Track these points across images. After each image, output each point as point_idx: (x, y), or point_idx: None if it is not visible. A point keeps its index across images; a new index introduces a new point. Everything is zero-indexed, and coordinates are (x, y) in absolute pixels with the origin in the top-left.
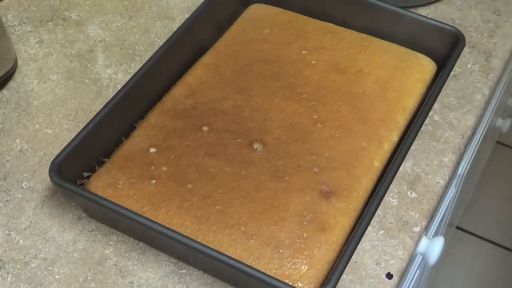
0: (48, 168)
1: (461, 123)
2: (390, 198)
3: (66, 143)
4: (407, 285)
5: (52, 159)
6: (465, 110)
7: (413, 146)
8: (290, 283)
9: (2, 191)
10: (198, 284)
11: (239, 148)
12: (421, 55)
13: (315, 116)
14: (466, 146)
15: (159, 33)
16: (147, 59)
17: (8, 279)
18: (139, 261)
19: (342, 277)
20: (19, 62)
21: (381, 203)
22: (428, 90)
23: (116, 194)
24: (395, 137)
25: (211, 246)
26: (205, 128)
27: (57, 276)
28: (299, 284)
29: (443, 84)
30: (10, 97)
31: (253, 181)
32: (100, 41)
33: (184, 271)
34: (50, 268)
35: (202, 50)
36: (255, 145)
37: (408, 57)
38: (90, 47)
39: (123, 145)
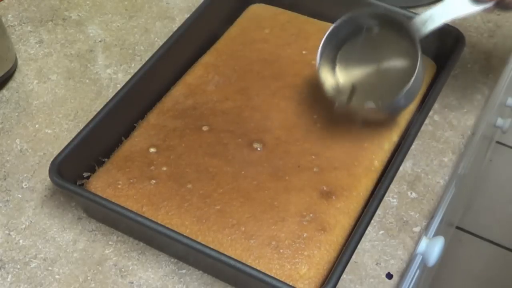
0: (48, 168)
1: (461, 123)
2: (390, 198)
3: (66, 143)
4: (407, 285)
5: (52, 159)
6: (465, 110)
7: (413, 146)
8: (290, 283)
9: (2, 191)
10: (198, 284)
11: (239, 148)
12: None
13: (315, 116)
14: (466, 146)
15: (159, 33)
16: (147, 59)
17: (8, 279)
18: (139, 261)
19: (342, 277)
20: (19, 62)
21: (381, 203)
22: (428, 90)
23: (116, 194)
24: (395, 137)
25: (211, 246)
26: (205, 128)
27: (57, 276)
28: (299, 284)
29: (443, 84)
30: (10, 97)
31: (253, 181)
32: (100, 41)
33: (184, 271)
34: (50, 268)
35: (202, 50)
36: (255, 145)
37: None
38: (90, 47)
39: (123, 145)
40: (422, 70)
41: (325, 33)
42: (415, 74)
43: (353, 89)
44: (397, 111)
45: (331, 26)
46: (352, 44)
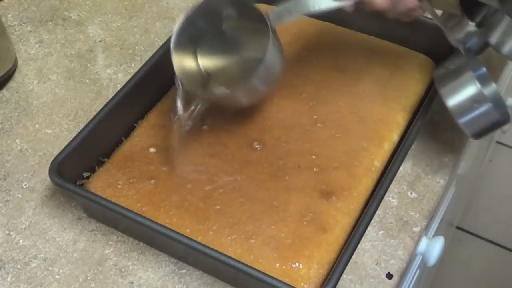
0: (48, 168)
1: None
2: (390, 198)
3: (66, 143)
4: (407, 285)
5: (52, 159)
6: None
7: (413, 146)
8: (290, 283)
9: (2, 191)
10: (198, 284)
11: (239, 148)
12: (421, 55)
13: (315, 116)
14: (466, 146)
15: (159, 33)
16: (147, 59)
17: (8, 279)
18: (139, 261)
19: (342, 277)
20: (19, 62)
21: (381, 203)
22: (428, 90)
23: (116, 194)
24: (395, 137)
25: (211, 246)
26: (205, 128)
27: (57, 276)
28: (299, 284)
29: None
30: (10, 97)
31: (253, 181)
32: (100, 41)
33: (184, 271)
34: (50, 268)
35: None
36: (255, 145)
37: (408, 57)
38: (90, 47)
39: (123, 145)
40: (275, 57)
41: (179, 21)
42: (264, 58)
43: (208, 77)
44: (255, 95)
45: (185, 14)
46: (213, 32)
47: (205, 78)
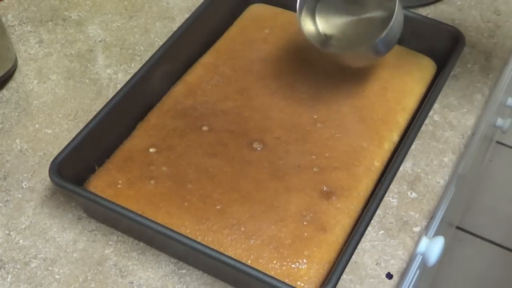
0: (48, 168)
1: (461, 123)
2: (390, 198)
3: (66, 143)
4: (407, 285)
5: (52, 159)
6: (465, 110)
7: (413, 146)
8: (290, 283)
9: (2, 191)
10: (198, 284)
11: (239, 148)
12: (421, 55)
13: (315, 116)
14: (466, 146)
15: (159, 33)
16: (147, 59)
17: (8, 279)
18: (139, 261)
19: (342, 277)
20: (19, 62)
21: (381, 203)
22: (428, 90)
23: (116, 194)
24: (395, 137)
25: (211, 246)
26: (205, 128)
27: (57, 276)
28: (299, 284)
29: (443, 84)
30: (10, 97)
31: (253, 181)
32: (100, 41)
33: (184, 271)
34: (50, 268)
35: (202, 50)
36: (255, 145)
37: (408, 57)
38: (90, 47)
39: (123, 145)
40: (400, 20)
41: None
42: (392, 21)
43: (326, 36)
44: (375, 55)
45: None
46: None
47: (324, 39)
